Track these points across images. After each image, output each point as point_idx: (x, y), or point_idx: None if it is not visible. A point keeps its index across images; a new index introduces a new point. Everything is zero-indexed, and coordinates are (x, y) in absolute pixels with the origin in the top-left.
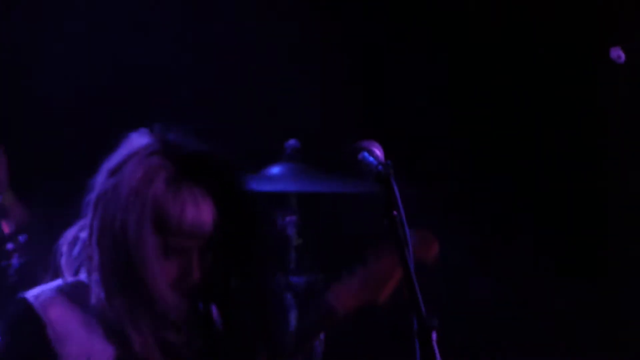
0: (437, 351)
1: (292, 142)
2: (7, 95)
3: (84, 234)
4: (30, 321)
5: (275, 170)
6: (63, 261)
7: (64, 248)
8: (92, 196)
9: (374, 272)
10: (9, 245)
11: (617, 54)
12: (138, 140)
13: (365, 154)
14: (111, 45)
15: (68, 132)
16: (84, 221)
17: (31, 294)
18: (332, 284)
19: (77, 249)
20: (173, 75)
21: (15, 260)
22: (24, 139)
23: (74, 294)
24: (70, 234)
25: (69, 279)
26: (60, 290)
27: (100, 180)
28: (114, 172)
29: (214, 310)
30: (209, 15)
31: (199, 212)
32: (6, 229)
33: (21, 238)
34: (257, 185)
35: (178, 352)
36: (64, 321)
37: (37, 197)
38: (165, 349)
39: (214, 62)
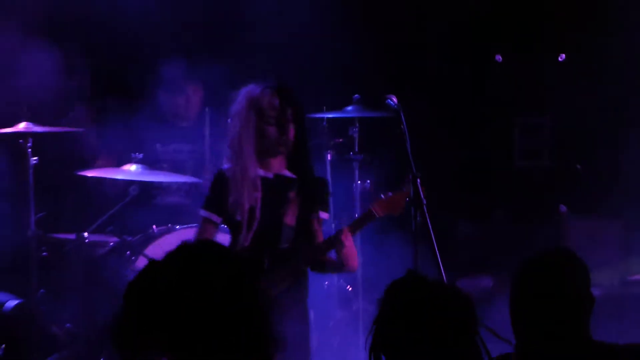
0: (420, 188)
1: (356, 96)
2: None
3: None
4: (220, 177)
5: (349, 108)
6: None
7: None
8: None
9: (395, 200)
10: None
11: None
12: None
13: (389, 100)
14: None
15: None
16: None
17: (220, 167)
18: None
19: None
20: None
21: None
22: None
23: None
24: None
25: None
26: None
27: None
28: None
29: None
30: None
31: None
32: None
33: None
34: (341, 114)
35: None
36: (229, 179)
37: None
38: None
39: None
